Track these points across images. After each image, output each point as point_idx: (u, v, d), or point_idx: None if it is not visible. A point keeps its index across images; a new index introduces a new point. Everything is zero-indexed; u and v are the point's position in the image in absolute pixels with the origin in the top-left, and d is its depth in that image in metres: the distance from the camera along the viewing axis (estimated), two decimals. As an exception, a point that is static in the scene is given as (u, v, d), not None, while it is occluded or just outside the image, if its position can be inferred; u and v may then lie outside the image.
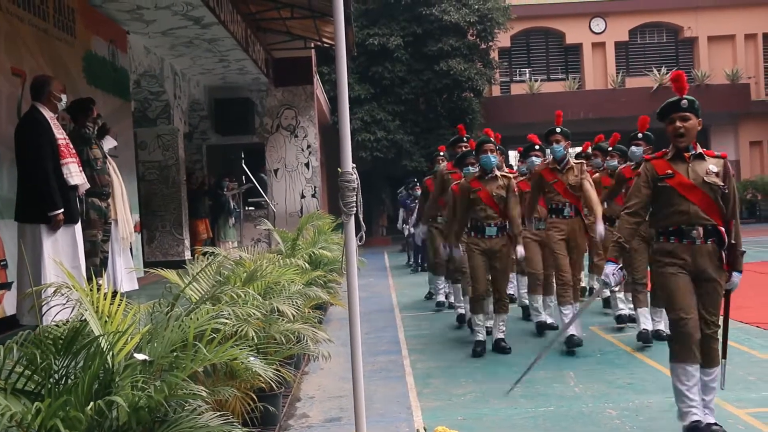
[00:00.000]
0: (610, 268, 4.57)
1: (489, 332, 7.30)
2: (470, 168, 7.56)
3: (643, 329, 7.02)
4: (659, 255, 4.54)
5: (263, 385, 4.24)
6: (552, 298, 7.92)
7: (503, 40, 25.44)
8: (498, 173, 7.14)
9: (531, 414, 5.11)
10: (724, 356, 4.49)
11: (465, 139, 8.69)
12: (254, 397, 4.26)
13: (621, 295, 7.91)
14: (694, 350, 4.30)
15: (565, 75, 27.94)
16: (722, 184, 4.40)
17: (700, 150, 4.49)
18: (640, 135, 7.44)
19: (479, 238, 7.11)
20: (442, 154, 9.76)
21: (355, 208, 3.91)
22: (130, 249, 8.40)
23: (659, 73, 26.37)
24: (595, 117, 23.81)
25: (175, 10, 9.68)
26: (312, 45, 16.12)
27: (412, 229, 15.30)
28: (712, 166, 4.44)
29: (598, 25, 27.32)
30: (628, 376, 5.94)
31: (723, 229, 4.41)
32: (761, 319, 7.81)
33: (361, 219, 4.02)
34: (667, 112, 4.53)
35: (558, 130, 7.25)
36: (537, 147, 8.18)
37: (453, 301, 9.34)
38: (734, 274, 4.48)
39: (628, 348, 6.98)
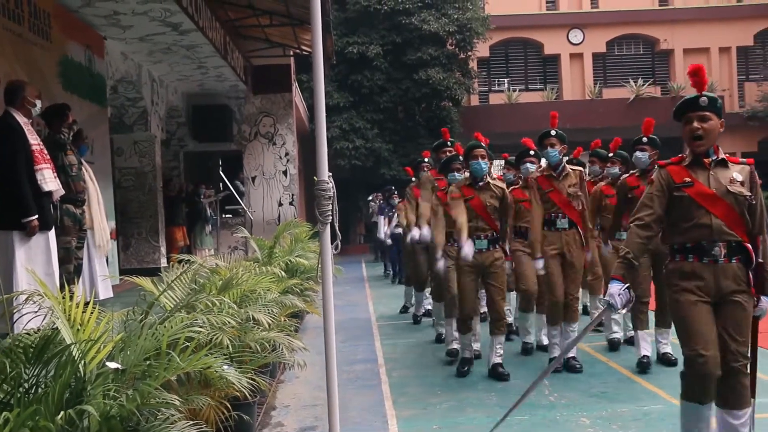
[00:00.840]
0: (615, 288, 3.88)
1: (477, 355, 6.81)
2: (456, 174, 6.98)
3: (644, 356, 6.39)
4: (675, 277, 3.91)
5: (238, 394, 4.20)
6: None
7: (482, 50, 25.57)
8: (490, 181, 6.56)
9: (506, 422, 5.11)
10: (754, 395, 3.86)
11: (449, 143, 8.02)
12: (228, 406, 4.23)
13: (617, 315, 7.18)
14: (711, 390, 3.75)
15: (543, 85, 28.13)
16: (749, 194, 3.84)
17: (722, 155, 3.96)
18: (645, 139, 6.65)
19: None
20: (426, 160, 9.14)
21: (330, 217, 3.90)
22: (106, 256, 8.33)
23: (636, 85, 26.62)
24: (572, 127, 23.87)
25: (152, 16, 9.64)
26: (291, 53, 16.12)
27: (388, 240, 15.18)
28: (737, 173, 3.87)
29: (576, 36, 27.53)
30: (602, 385, 5.97)
31: (749, 245, 3.83)
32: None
33: (337, 228, 4.01)
34: (683, 110, 4.01)
35: (553, 132, 6.59)
36: (532, 152, 7.38)
37: (434, 318, 8.61)
38: (763, 298, 3.87)
39: (603, 357, 7.02)
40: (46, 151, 6.08)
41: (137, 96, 12.47)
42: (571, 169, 6.64)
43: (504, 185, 6.74)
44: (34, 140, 5.91)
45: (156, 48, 11.40)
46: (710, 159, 3.94)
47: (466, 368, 6.51)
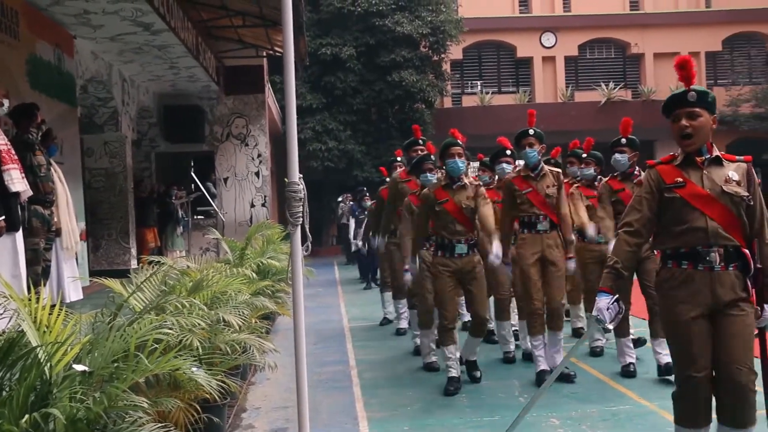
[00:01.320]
0: (603, 302, 3.60)
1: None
2: (428, 175, 6.64)
3: (629, 363, 6.20)
4: (668, 286, 3.62)
5: (208, 396, 4.18)
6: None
7: (455, 52, 25.65)
8: (466, 181, 6.14)
9: (476, 423, 5.14)
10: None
11: (421, 141, 7.63)
12: (198, 408, 4.20)
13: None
14: (705, 413, 3.53)
15: (516, 88, 28.26)
16: (746, 194, 3.54)
17: (716, 153, 3.65)
18: (623, 140, 6.36)
19: (448, 257, 6.01)
20: (399, 159, 8.71)
21: (301, 219, 3.89)
22: (76, 258, 8.25)
23: (607, 88, 26.86)
24: (545, 130, 23.92)
25: (123, 15, 9.55)
26: (264, 54, 16.06)
27: (359, 243, 14.55)
28: (732, 172, 3.57)
29: (548, 39, 27.71)
30: (572, 386, 6.00)
31: (747, 251, 3.54)
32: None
33: (308, 229, 4.00)
34: (671, 107, 3.70)
35: (531, 131, 6.28)
36: (508, 152, 7.03)
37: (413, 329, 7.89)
38: (766, 307, 3.56)
39: (572, 359, 7.07)
40: (13, 152, 6.02)
41: (108, 96, 12.36)
42: (549, 170, 6.34)
43: (479, 183, 6.36)
44: (1, 140, 5.84)
45: (127, 48, 11.31)
46: (703, 157, 3.63)
47: (453, 387, 5.93)
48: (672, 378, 5.46)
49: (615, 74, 28.17)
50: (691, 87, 3.62)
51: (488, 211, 6.01)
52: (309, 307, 10.02)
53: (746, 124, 25.56)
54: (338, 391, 6.21)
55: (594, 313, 3.66)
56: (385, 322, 9.65)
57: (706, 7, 28.13)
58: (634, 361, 6.28)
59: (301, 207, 3.90)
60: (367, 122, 23.45)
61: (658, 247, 3.77)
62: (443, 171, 6.31)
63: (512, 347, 7.03)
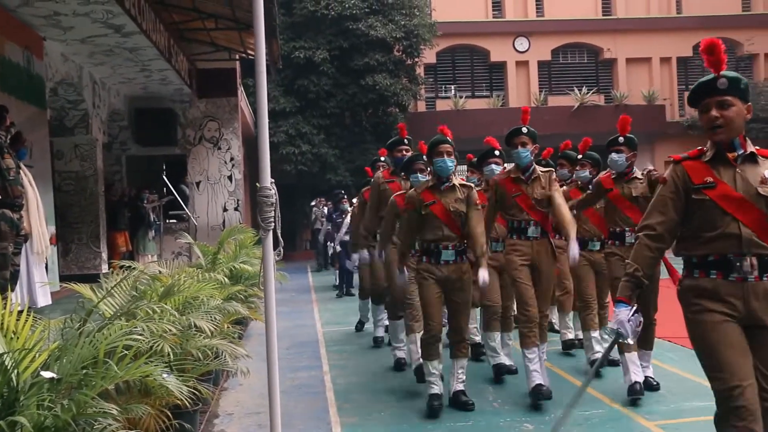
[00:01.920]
0: (624, 314, 3.28)
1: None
2: (419, 176, 6.17)
3: (635, 382, 5.60)
4: (693, 295, 3.22)
5: (179, 402, 4.14)
6: (511, 335, 6.82)
7: (429, 56, 25.72)
8: (456, 182, 5.66)
9: (450, 429, 5.14)
10: None
11: (406, 141, 7.10)
12: (169, 414, 4.16)
13: (597, 333, 6.53)
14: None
15: (489, 92, 28.40)
16: None
17: (751, 148, 3.24)
18: (621, 139, 5.92)
19: (433, 264, 5.57)
20: (383, 159, 8.25)
21: (273, 223, 3.87)
22: (45, 262, 8.15)
23: (580, 93, 27.07)
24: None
25: (94, 17, 9.46)
26: (237, 57, 15.98)
27: (338, 247, 14.27)
28: None
29: (521, 44, 27.88)
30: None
31: None
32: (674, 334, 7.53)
33: (279, 234, 3.98)
34: (698, 96, 3.31)
35: (524, 130, 5.85)
36: (497, 152, 6.63)
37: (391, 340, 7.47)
38: None
39: (547, 363, 7.07)
40: (-19, 155, 5.92)
41: (78, 98, 12.23)
42: (541, 171, 5.88)
43: (471, 185, 5.83)
44: (-32, 143, 5.75)
45: (98, 50, 11.19)
46: (736, 153, 3.21)
47: (437, 403, 5.48)
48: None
49: (588, 79, 28.39)
50: (722, 73, 3.20)
51: (477, 218, 5.59)
52: (282, 312, 9.98)
53: (716, 129, 25.87)
54: (312, 396, 6.18)
55: (613, 326, 3.31)
56: (360, 327, 9.43)
57: (677, 13, 28.47)
58: (641, 380, 5.65)
59: (273, 212, 3.88)
60: (341, 126, 23.43)
61: (682, 254, 3.32)
62: (431, 171, 5.88)
63: (501, 360, 6.56)
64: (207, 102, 16.27)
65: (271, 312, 3.87)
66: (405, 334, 6.85)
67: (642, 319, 3.36)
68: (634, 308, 3.30)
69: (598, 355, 6.39)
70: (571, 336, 7.48)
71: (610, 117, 26.04)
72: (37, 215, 7.53)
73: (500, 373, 6.44)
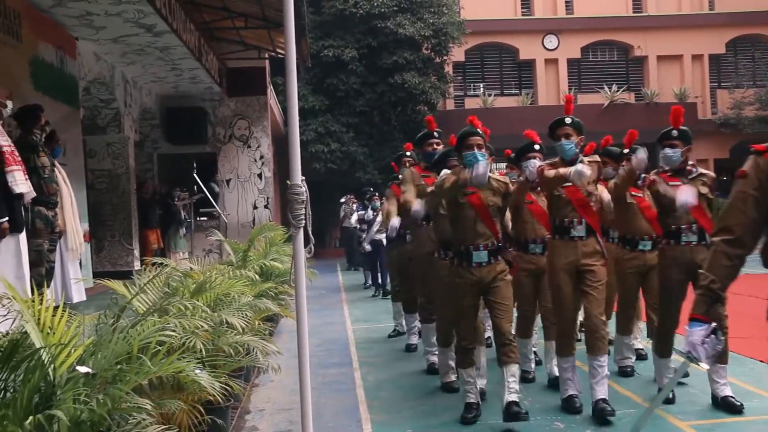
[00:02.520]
0: (697, 334, 2.74)
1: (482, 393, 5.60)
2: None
3: (726, 396, 5.22)
4: None
5: (211, 398, 4.17)
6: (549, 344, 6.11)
7: (457, 54, 25.66)
8: (491, 176, 5.23)
9: (481, 426, 5.13)
10: None
11: (436, 134, 6.68)
12: (202, 410, 4.19)
13: (629, 339, 6.24)
14: None
15: (518, 90, 28.25)
16: None
17: None
18: (675, 132, 5.53)
19: (465, 267, 5.15)
20: (408, 154, 7.79)
21: (303, 221, 3.89)
22: (79, 259, 8.24)
23: (610, 91, 26.84)
24: (547, 132, 24.04)
25: (126, 17, 9.54)
26: (266, 55, 16.05)
27: (368, 247, 13.55)
28: None
29: (551, 41, 27.71)
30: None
31: None
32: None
33: (310, 231, 3.99)
34: None
35: (568, 120, 5.38)
36: (537, 146, 6.06)
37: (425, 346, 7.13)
38: None
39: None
40: (17, 153, 6.01)
41: (110, 97, 12.35)
42: (588, 163, 5.32)
43: (507, 179, 5.49)
44: (4, 141, 5.84)
45: (129, 49, 11.30)
46: None
47: (472, 415, 5.21)
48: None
49: (618, 77, 28.15)
50: None
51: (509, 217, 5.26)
52: (312, 310, 10.01)
53: (750, 127, 25.52)
54: (341, 393, 6.20)
55: (684, 348, 2.79)
56: (395, 334, 8.87)
57: (709, 10, 28.11)
58: (729, 393, 5.28)
59: (304, 209, 3.89)
60: (370, 124, 23.46)
61: None
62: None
63: (533, 366, 6.29)
64: (237, 100, 16.36)
65: (302, 309, 3.89)
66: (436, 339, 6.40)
67: (722, 339, 2.82)
68: (712, 327, 2.75)
69: (628, 362, 6.27)
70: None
71: (641, 115, 25.80)
72: (72, 213, 7.62)
73: (526, 381, 6.03)
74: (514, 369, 5.10)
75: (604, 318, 5.42)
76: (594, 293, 5.23)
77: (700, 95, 27.53)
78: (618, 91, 26.98)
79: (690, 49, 27.51)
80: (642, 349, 6.84)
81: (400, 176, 7.20)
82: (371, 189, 15.52)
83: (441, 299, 5.89)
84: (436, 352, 6.49)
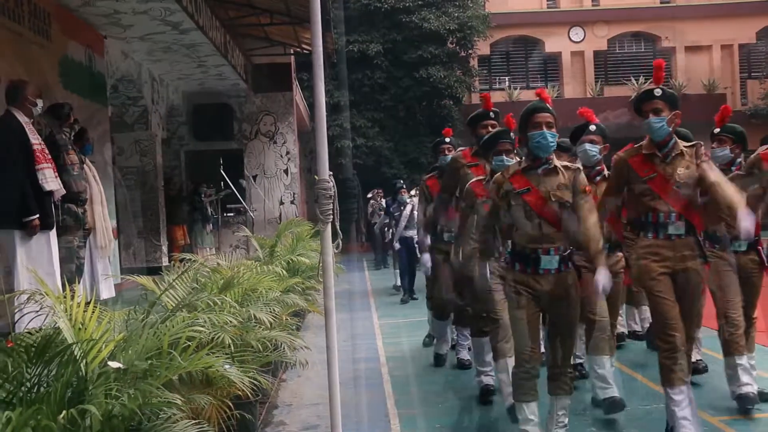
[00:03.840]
0: None
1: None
2: (504, 158, 4.92)
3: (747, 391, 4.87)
4: None
5: (240, 393, 4.20)
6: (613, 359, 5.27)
7: (483, 48, 25.54)
8: (557, 164, 4.27)
9: (509, 421, 5.11)
10: None
11: (492, 114, 5.78)
12: (231, 405, 4.22)
13: (744, 359, 5.01)
14: None
15: (544, 83, 28.06)
16: None
17: None
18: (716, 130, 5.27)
19: (529, 274, 4.21)
20: (448, 140, 6.90)
21: (331, 216, 3.89)
22: (108, 256, 8.33)
23: (637, 83, 26.58)
24: (574, 125, 23.87)
25: (152, 15, 9.62)
26: (291, 51, 16.10)
27: (397, 245, 12.46)
28: None
29: (577, 34, 27.49)
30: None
31: None
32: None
33: (338, 227, 4.00)
34: None
35: (657, 92, 4.42)
36: (593, 127, 5.28)
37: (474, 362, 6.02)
38: None
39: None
40: (47, 151, 6.08)
41: (138, 95, 12.46)
42: (685, 147, 4.41)
43: (577, 167, 4.36)
44: (35, 140, 5.90)
45: (156, 47, 11.38)
46: None
47: None
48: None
49: (645, 68, 27.84)
50: None
51: (588, 208, 4.21)
52: (338, 304, 10.01)
53: (782, 117, 25.18)
54: (369, 388, 6.21)
55: None
56: (428, 342, 7.85)
57: (738, -2, 27.74)
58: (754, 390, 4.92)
59: (332, 204, 3.90)
60: (395, 119, 23.43)
61: None
62: (523, 151, 4.50)
63: (615, 392, 5.00)
64: (262, 97, 16.43)
65: (330, 303, 3.90)
66: (492, 358, 5.35)
67: None
68: None
69: (748, 389, 4.97)
70: (698, 357, 5.67)
71: (669, 106, 25.49)
72: (101, 209, 7.70)
73: (615, 407, 4.97)
74: (566, 402, 4.33)
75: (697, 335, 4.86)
76: (688, 305, 4.40)
77: (729, 86, 27.17)
78: (645, 82, 26.70)
79: (719, 39, 27.14)
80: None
81: (439, 165, 6.68)
82: (400, 182, 14.91)
83: (495, 303, 4.99)
84: (491, 372, 5.55)
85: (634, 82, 26.69)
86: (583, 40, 27.49)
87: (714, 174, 4.31)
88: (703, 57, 27.46)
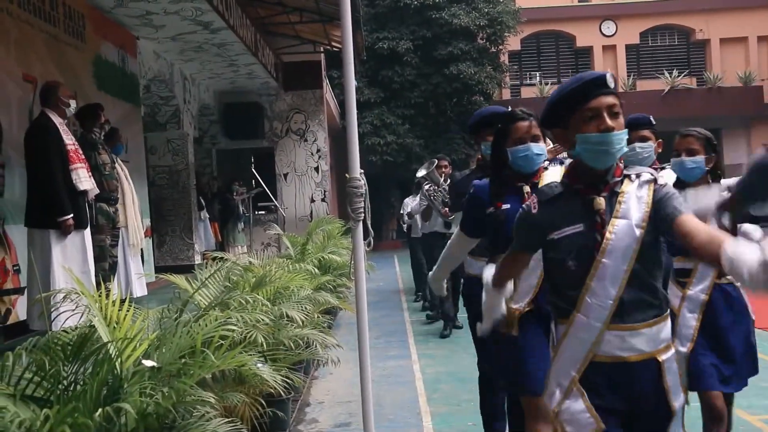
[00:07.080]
0: None
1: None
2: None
3: None
4: None
5: (272, 391, 4.22)
6: None
7: (513, 43, 25.41)
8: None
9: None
10: None
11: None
12: (263, 402, 4.25)
13: None
14: None
15: (575, 78, 27.84)
16: None
17: None
18: None
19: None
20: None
21: (363, 214, 3.89)
22: (141, 254, 8.41)
23: (671, 76, 26.27)
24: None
25: (184, 15, 9.70)
26: (321, 49, 16.14)
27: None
28: None
29: (608, 27, 27.23)
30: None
31: None
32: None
33: (369, 224, 3.99)
34: None
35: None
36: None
37: None
38: None
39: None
40: (80, 151, 6.15)
41: (170, 95, 12.57)
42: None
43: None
44: (69, 140, 5.97)
45: (187, 47, 11.47)
46: None
47: None
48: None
49: (679, 61, 27.52)
50: None
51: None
52: (369, 302, 10.03)
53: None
54: (401, 386, 6.21)
55: None
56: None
57: (774, -11, 27.29)
58: None
59: (363, 202, 3.90)
60: (425, 116, 23.38)
61: None
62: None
63: None
64: (293, 95, 16.49)
65: (362, 301, 3.90)
66: None
67: None
68: None
69: None
70: None
71: (703, 100, 25.14)
72: (133, 208, 7.77)
73: None
74: None
75: None
76: None
77: (766, 78, 26.73)
78: (679, 76, 26.39)
79: (755, 31, 26.69)
80: None
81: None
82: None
83: None
84: None
85: (668, 75, 26.40)
86: (614, 33, 27.23)
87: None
88: (738, 49, 27.04)
